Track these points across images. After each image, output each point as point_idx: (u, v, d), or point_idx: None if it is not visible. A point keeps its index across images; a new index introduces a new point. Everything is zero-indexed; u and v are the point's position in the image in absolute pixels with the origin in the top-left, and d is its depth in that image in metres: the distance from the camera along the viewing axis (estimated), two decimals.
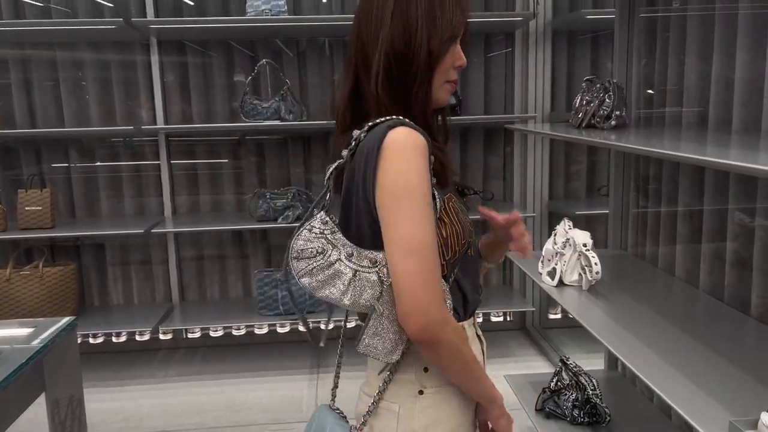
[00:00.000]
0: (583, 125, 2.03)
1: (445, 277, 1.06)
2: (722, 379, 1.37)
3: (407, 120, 1.03)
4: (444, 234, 1.05)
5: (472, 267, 1.15)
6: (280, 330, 3.58)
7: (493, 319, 3.75)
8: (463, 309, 1.13)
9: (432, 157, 1.03)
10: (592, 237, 2.02)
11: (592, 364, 2.56)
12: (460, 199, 1.17)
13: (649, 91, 2.29)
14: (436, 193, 1.04)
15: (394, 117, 1.03)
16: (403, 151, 0.98)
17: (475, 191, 3.41)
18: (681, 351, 1.51)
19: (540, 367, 3.17)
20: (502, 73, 3.49)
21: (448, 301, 1.05)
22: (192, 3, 3.28)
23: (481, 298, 1.21)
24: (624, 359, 1.43)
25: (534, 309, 3.55)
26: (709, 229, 1.96)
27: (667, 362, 1.43)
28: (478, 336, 1.19)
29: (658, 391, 1.26)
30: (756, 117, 1.72)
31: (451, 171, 1.11)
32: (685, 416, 1.18)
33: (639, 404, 2.27)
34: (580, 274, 2.00)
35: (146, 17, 3.20)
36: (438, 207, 1.04)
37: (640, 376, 1.34)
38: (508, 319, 3.78)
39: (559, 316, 3.69)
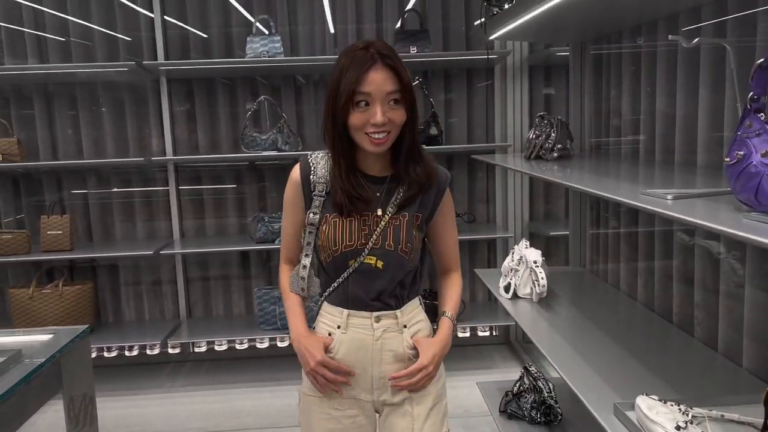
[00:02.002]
0: (532, 156, 2.30)
1: (323, 268, 1.56)
2: (625, 372, 1.62)
3: (311, 154, 1.56)
4: (322, 238, 1.52)
5: (365, 277, 1.51)
6: (280, 344, 3.84)
7: (480, 333, 3.98)
8: (350, 302, 1.53)
9: (313, 185, 1.52)
10: (565, 256, 2.28)
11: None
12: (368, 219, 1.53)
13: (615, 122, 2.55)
14: (315, 210, 1.51)
15: (309, 153, 1.57)
16: (288, 178, 1.58)
17: (458, 214, 3.67)
18: (599, 350, 1.77)
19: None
20: (483, 104, 3.77)
21: (305, 272, 1.56)
22: (205, 36, 3.61)
23: (392, 310, 1.55)
24: (549, 357, 1.69)
25: (513, 323, 3.78)
26: (644, 249, 2.21)
27: (584, 359, 1.69)
28: (374, 330, 1.52)
29: (565, 378, 1.52)
30: (677, 149, 1.98)
31: (339, 199, 1.47)
32: (582, 399, 1.43)
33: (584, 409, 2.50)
34: (531, 288, 2.25)
35: (157, 58, 3.54)
36: (309, 217, 1.52)
37: (555, 367, 1.60)
38: (494, 333, 4.02)
39: None
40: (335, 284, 1.54)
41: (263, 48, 3.33)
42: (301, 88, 3.71)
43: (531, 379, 2.47)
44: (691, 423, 1.28)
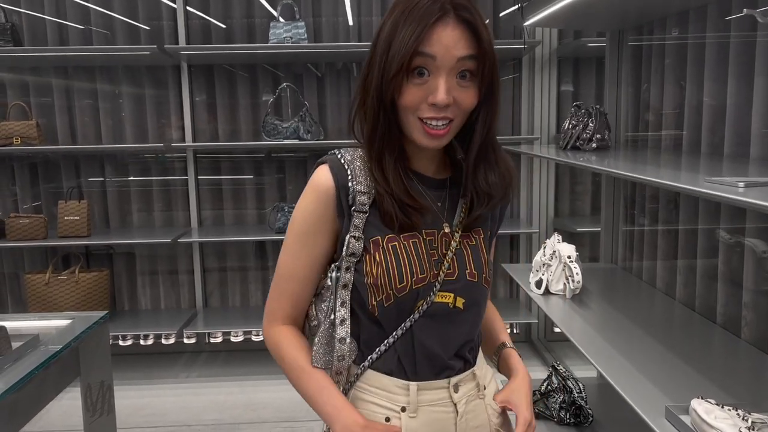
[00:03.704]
0: (569, 147, 2.21)
1: (373, 318, 1.06)
2: (671, 373, 1.53)
3: (338, 153, 1.08)
4: (374, 273, 1.03)
5: (438, 324, 1.07)
6: None
7: None
8: (417, 366, 1.06)
9: (354, 196, 1.04)
10: (592, 252, 2.19)
11: (589, 372, 2.71)
12: (443, 241, 1.08)
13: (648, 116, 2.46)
14: (356, 233, 1.04)
15: (334, 151, 1.09)
16: (305, 189, 1.07)
17: None
18: (641, 349, 1.68)
19: (542, 376, 3.30)
20: (510, 96, 3.68)
21: (345, 330, 1.06)
22: (224, 26, 3.54)
23: (470, 368, 1.12)
24: (587, 353, 1.60)
25: (537, 321, 3.69)
26: (684, 245, 2.11)
27: (626, 358, 1.60)
28: (454, 404, 1.08)
29: (609, 378, 1.43)
30: (726, 141, 1.89)
31: (394, 215, 1.03)
32: (630, 401, 1.35)
33: (623, 407, 2.41)
34: (564, 284, 2.16)
35: (178, 44, 3.47)
36: (349, 245, 1.04)
37: (597, 366, 1.51)
38: (516, 331, 3.93)
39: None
40: (389, 341, 1.06)
41: (287, 34, 3.25)
42: (323, 77, 3.63)
43: (560, 378, 2.38)
44: (753, 429, 1.19)
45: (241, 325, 3.54)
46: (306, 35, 3.29)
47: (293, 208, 3.49)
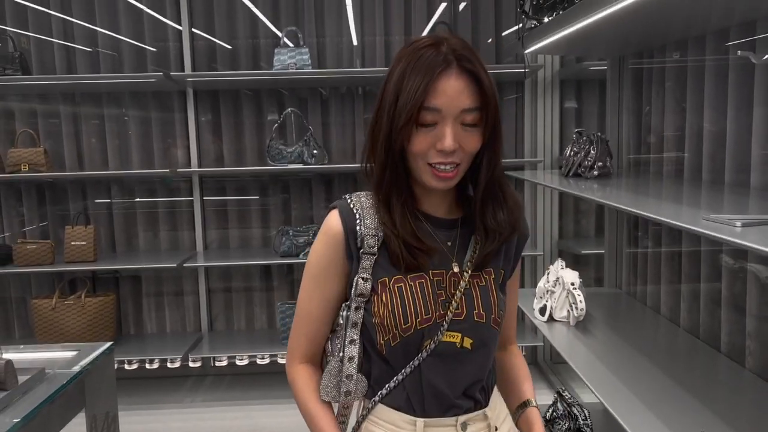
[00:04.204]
0: (570, 174, 2.22)
1: (382, 356, 1.09)
2: (674, 403, 1.53)
3: (349, 198, 1.13)
4: (380, 313, 1.07)
5: (445, 364, 1.09)
6: None
7: None
8: (425, 402, 1.09)
9: (358, 239, 1.08)
10: (597, 273, 2.19)
11: (594, 398, 2.68)
12: (451, 282, 1.11)
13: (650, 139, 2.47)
14: (364, 274, 1.08)
15: (346, 196, 1.14)
16: (318, 233, 1.14)
17: None
18: (644, 378, 1.68)
19: (547, 400, 3.29)
20: (513, 118, 3.70)
21: (352, 367, 1.10)
22: (230, 47, 3.58)
23: (481, 408, 1.13)
24: (589, 383, 1.60)
25: (542, 344, 3.68)
26: (687, 270, 2.11)
27: (628, 388, 1.60)
28: None
29: (610, 409, 1.43)
30: (726, 168, 1.89)
31: (404, 256, 1.07)
32: None
33: None
34: (568, 311, 2.16)
35: (184, 68, 3.52)
36: (358, 285, 1.08)
37: (599, 396, 1.51)
38: (522, 353, 3.91)
39: None
40: (399, 378, 1.09)
41: (291, 60, 3.29)
42: (327, 100, 3.67)
43: (565, 404, 2.37)
44: None
45: (246, 349, 3.54)
46: (310, 61, 3.32)
47: (298, 231, 3.47)
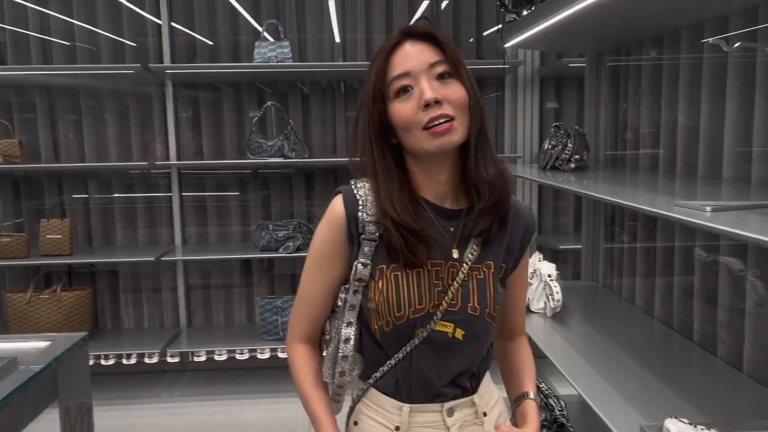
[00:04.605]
0: (548, 167, 2.24)
1: (376, 340, 1.12)
2: (647, 392, 1.55)
3: (354, 183, 1.14)
4: (376, 299, 1.08)
5: (436, 353, 1.10)
6: (281, 355, 3.76)
7: None
8: (412, 389, 1.11)
9: (361, 226, 1.10)
10: (575, 271, 2.21)
11: (571, 389, 2.71)
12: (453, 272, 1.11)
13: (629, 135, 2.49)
14: (364, 259, 1.09)
15: (351, 181, 1.16)
16: (323, 217, 1.15)
17: None
18: (618, 368, 1.70)
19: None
20: (493, 115, 3.72)
21: (348, 348, 1.12)
22: (210, 43, 3.56)
23: (469, 395, 1.14)
24: (566, 373, 1.62)
25: None
26: (662, 263, 2.14)
27: (603, 377, 1.62)
28: (447, 428, 1.12)
29: (585, 397, 1.45)
30: (700, 162, 1.92)
31: (394, 240, 1.07)
32: (605, 419, 1.36)
33: (603, 426, 2.43)
34: (545, 302, 2.18)
35: (163, 61, 3.49)
36: (357, 270, 1.09)
37: (574, 385, 1.53)
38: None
39: None
40: (391, 363, 1.11)
41: (272, 53, 3.28)
42: (308, 96, 3.66)
43: (542, 396, 2.39)
44: None
45: (225, 344, 3.52)
46: (291, 54, 3.31)
47: (278, 226, 3.47)
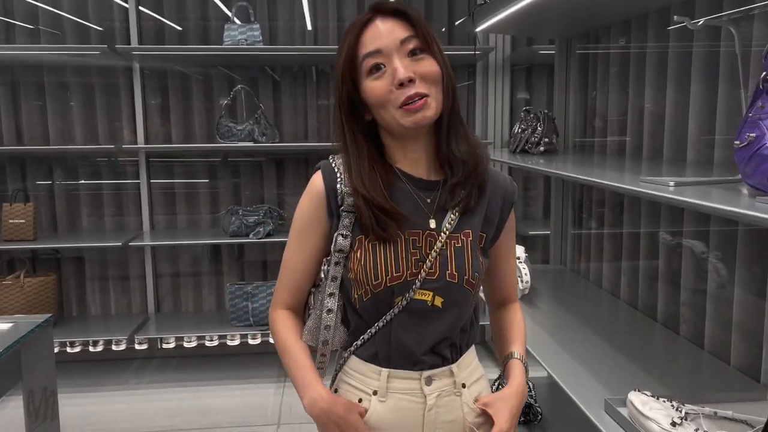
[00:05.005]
0: (518, 150, 2.26)
1: (357, 309, 1.13)
2: (613, 369, 1.58)
3: (332, 158, 1.17)
4: (355, 269, 1.10)
5: (415, 321, 1.11)
6: (251, 341, 3.74)
7: None
8: (391, 356, 1.12)
9: (338, 199, 1.12)
10: (543, 256, 2.24)
11: (540, 372, 2.75)
12: (424, 241, 1.11)
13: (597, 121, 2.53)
14: (344, 231, 1.11)
15: (330, 157, 1.18)
16: (304, 191, 1.18)
17: None
18: (585, 347, 1.73)
19: (494, 374, 3.35)
20: (464, 102, 3.73)
21: (330, 318, 1.14)
22: (179, 28, 3.50)
23: (448, 365, 1.14)
24: (532, 350, 1.64)
25: (488, 323, 3.73)
26: (628, 247, 2.18)
27: (570, 355, 1.64)
28: (425, 396, 1.12)
29: (552, 374, 1.47)
30: (665, 146, 1.96)
31: (366, 217, 1.09)
32: (571, 395, 1.39)
33: (570, 404, 2.48)
34: None
35: (130, 44, 3.42)
36: (337, 242, 1.12)
37: (542, 363, 1.55)
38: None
39: None
40: (371, 331, 1.12)
41: (242, 36, 3.24)
42: (278, 80, 3.62)
43: None
44: (686, 419, 1.24)
45: (194, 330, 3.49)
46: (261, 37, 3.28)
47: (248, 211, 3.43)
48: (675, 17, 1.25)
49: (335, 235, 1.13)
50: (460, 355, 1.16)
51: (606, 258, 2.33)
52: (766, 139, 0.91)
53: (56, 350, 3.31)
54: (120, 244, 3.20)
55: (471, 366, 1.19)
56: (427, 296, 1.10)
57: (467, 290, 1.11)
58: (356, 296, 1.12)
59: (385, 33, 1.06)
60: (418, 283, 1.09)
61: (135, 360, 3.69)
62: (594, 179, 1.31)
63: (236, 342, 3.73)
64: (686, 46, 1.82)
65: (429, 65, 1.07)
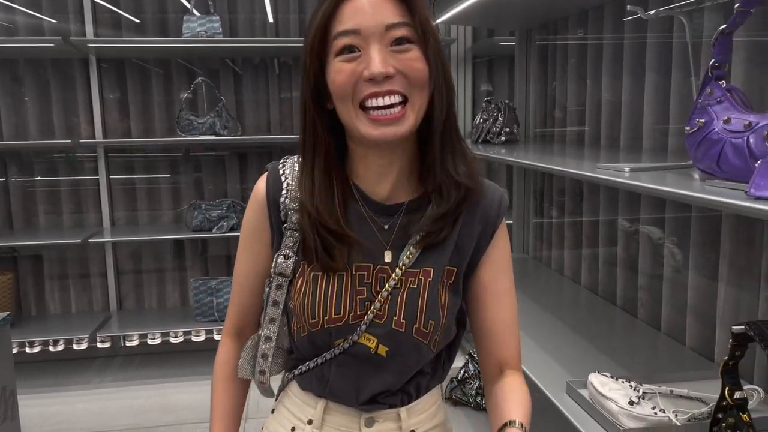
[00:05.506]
0: (480, 140, 2.29)
1: (293, 342, 0.99)
2: (574, 352, 1.62)
3: (285, 160, 0.99)
4: (294, 300, 0.95)
5: (356, 367, 0.94)
6: (216, 337, 3.71)
7: None
8: (330, 391, 0.97)
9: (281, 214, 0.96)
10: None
11: None
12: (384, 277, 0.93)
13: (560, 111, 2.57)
14: (287, 251, 0.96)
15: (286, 157, 1.01)
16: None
17: None
18: (547, 332, 1.77)
19: (459, 363, 3.39)
20: None
21: (269, 346, 1.00)
22: (137, 21, 3.43)
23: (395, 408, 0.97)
24: None
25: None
26: (588, 235, 2.23)
27: (533, 340, 1.68)
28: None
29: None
30: (622, 134, 2.01)
31: (310, 240, 0.92)
32: (534, 378, 1.42)
33: (534, 388, 2.53)
34: None
35: (85, 36, 3.34)
36: (278, 263, 0.96)
37: None
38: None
39: None
40: (310, 365, 0.98)
41: (201, 28, 3.19)
42: (240, 72, 3.59)
43: (476, 365, 2.46)
44: (643, 398, 1.28)
45: (158, 327, 3.44)
46: (221, 29, 3.24)
47: (211, 205, 3.38)
48: (629, 7, 1.28)
49: (276, 255, 0.96)
50: (415, 399, 0.98)
51: (567, 246, 2.38)
52: (715, 124, 0.94)
53: (15, 351, 3.23)
54: (80, 240, 3.14)
55: (428, 412, 1.00)
56: (371, 342, 0.92)
57: (418, 342, 0.92)
58: (295, 328, 0.96)
59: (369, 10, 0.84)
60: (364, 326, 0.92)
61: (97, 359, 3.62)
62: (554, 167, 1.34)
63: (201, 338, 3.69)
64: (641, 37, 1.87)
65: (415, 61, 0.85)
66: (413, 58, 0.85)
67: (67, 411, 3.01)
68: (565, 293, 2.22)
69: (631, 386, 1.32)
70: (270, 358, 1.00)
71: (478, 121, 2.34)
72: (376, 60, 0.82)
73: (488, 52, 3.72)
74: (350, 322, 0.92)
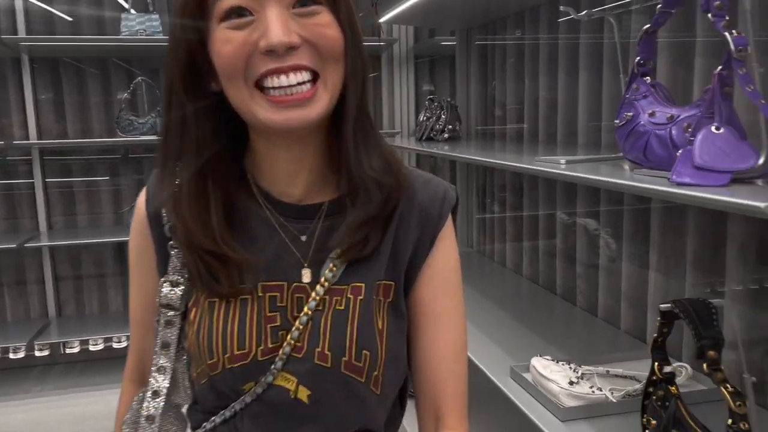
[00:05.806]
0: (423, 138, 2.35)
1: (194, 393, 0.81)
2: (517, 339, 1.69)
3: (165, 167, 0.77)
4: (189, 338, 0.76)
5: (273, 419, 0.74)
6: None
7: None
8: None
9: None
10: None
11: None
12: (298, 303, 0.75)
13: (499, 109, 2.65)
14: (174, 277, 0.77)
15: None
16: None
17: None
18: (491, 320, 1.84)
19: None
20: (371, 92, 3.79)
21: (156, 405, 0.79)
22: (71, 19, 3.33)
23: None
24: None
25: None
26: (528, 228, 2.32)
27: (477, 329, 1.74)
28: None
29: None
30: (558, 131, 2.09)
31: (201, 274, 0.73)
32: (479, 364, 1.47)
33: (479, 374, 2.61)
34: None
35: (17, 34, 3.23)
36: (162, 293, 0.77)
37: None
38: None
39: None
40: (215, 420, 0.76)
41: (140, 26, 3.14)
42: None
43: None
44: (582, 378, 1.35)
45: (100, 333, 3.36)
46: (161, 28, 3.19)
47: None
48: (562, 7, 1.35)
49: (161, 282, 0.77)
50: None
51: (509, 239, 2.46)
52: (641, 117, 1.01)
53: None
54: (15, 245, 3.03)
55: None
56: (290, 383, 0.72)
57: (349, 379, 0.72)
58: (195, 375, 0.76)
59: None
60: (280, 363, 0.71)
61: (36, 367, 3.51)
62: (495, 161, 1.40)
63: None
64: (574, 38, 1.96)
65: (325, 27, 0.68)
66: (323, 24, 0.68)
67: (4, 422, 2.91)
68: (508, 284, 2.30)
69: (571, 368, 1.39)
70: (157, 420, 0.78)
71: (421, 119, 2.39)
72: (276, 27, 0.64)
73: (430, 51, 3.80)
74: (259, 359, 0.72)
